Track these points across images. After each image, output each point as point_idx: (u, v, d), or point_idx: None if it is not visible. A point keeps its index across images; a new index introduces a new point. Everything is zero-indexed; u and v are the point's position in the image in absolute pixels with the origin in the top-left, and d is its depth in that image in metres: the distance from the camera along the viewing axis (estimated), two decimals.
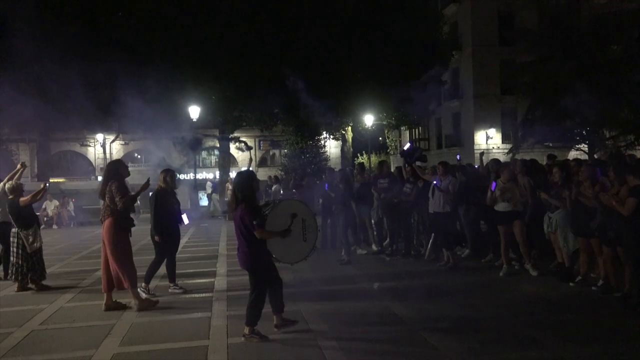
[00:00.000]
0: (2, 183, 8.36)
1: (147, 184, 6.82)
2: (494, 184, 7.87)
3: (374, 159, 35.16)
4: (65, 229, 18.77)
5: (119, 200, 6.23)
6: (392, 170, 12.77)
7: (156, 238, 7.15)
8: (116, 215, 6.30)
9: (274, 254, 5.21)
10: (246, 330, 5.11)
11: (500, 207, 7.80)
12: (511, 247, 8.09)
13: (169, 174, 7.41)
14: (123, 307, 6.43)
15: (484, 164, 9.90)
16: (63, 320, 6.10)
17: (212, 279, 8.18)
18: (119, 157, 7.14)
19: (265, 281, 5.17)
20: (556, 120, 23.44)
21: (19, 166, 8.56)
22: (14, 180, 8.12)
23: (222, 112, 24.22)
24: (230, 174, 27.65)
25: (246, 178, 5.23)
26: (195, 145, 24.05)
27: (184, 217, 7.68)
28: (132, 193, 6.51)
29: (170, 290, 7.29)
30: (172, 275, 7.44)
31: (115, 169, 6.56)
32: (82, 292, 7.57)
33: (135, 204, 7.56)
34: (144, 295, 6.70)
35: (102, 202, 6.55)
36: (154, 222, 7.22)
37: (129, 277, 6.30)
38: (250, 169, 11.65)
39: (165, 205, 7.22)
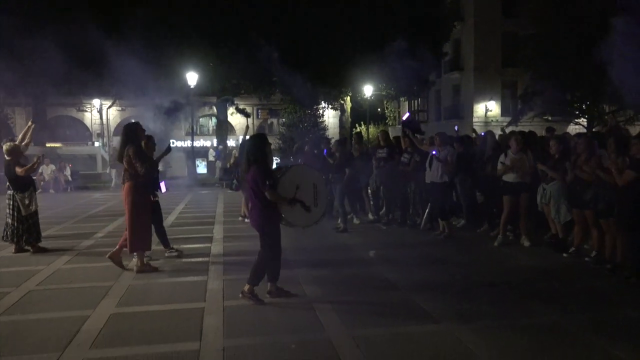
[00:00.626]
0: (16, 142, 8.41)
1: (169, 148, 6.91)
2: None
3: (373, 129, 35.03)
4: (61, 193, 18.79)
5: (139, 166, 6.26)
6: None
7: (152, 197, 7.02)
8: (135, 179, 6.35)
9: (287, 217, 5.26)
10: (246, 287, 5.18)
11: (509, 177, 7.80)
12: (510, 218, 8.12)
13: (149, 140, 7.22)
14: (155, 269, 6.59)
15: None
16: (60, 282, 6.15)
17: (209, 244, 8.24)
18: (135, 122, 7.10)
19: (278, 240, 5.22)
20: (556, 94, 23.32)
21: (29, 123, 8.52)
22: (26, 138, 8.17)
23: (220, 79, 23.97)
24: (228, 141, 27.60)
25: (259, 141, 5.26)
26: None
27: (162, 185, 7.63)
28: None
29: (166, 255, 7.32)
30: (165, 241, 7.45)
31: (133, 132, 6.52)
32: (79, 255, 7.63)
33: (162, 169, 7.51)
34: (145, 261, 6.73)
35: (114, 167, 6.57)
36: None
37: (138, 241, 6.37)
38: (248, 136, 11.62)
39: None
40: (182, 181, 21.87)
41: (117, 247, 6.55)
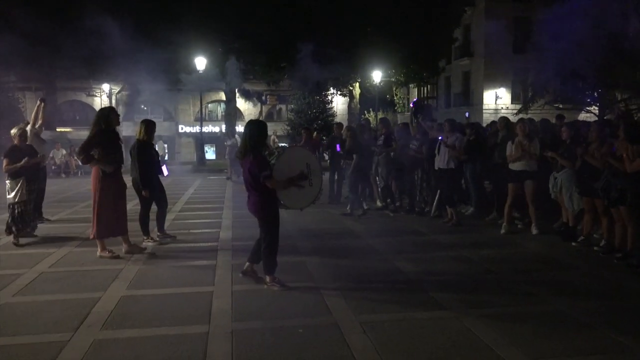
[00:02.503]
0: (30, 124, 8.40)
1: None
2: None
3: (381, 116, 34.80)
4: (72, 177, 18.96)
5: (80, 150, 6.35)
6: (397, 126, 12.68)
7: (144, 193, 7.03)
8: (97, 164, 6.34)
9: (282, 201, 5.29)
10: (267, 279, 5.23)
11: (515, 165, 7.76)
12: (515, 206, 8.09)
13: (149, 125, 7.23)
14: (141, 250, 6.73)
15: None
16: (72, 264, 6.24)
17: (218, 230, 8.30)
18: (110, 106, 7.15)
19: (276, 227, 5.24)
20: (568, 81, 23.03)
21: (38, 102, 8.44)
22: (39, 118, 8.20)
23: (229, 64, 23.91)
24: (237, 127, 27.60)
25: (260, 127, 5.24)
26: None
27: (164, 168, 7.62)
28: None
29: (157, 239, 7.33)
30: (160, 225, 7.47)
31: (105, 116, 6.41)
32: (89, 239, 7.70)
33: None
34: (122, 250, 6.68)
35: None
36: (140, 175, 7.01)
37: (97, 227, 6.40)
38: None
39: (146, 157, 7.10)
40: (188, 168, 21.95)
41: (123, 239, 6.62)
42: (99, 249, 6.52)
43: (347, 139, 9.88)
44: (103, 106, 6.91)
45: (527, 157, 7.56)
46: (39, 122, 8.48)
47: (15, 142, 7.36)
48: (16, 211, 7.20)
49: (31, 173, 7.35)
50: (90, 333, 4.12)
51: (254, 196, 5.18)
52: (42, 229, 8.16)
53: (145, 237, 7.23)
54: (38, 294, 5.11)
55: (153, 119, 7.73)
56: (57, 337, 4.03)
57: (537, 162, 7.62)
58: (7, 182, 7.24)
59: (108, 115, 6.43)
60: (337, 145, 10.57)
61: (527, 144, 7.59)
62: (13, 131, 7.51)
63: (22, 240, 7.31)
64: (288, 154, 5.57)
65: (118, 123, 6.62)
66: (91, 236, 6.55)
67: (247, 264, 5.49)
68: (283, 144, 22.26)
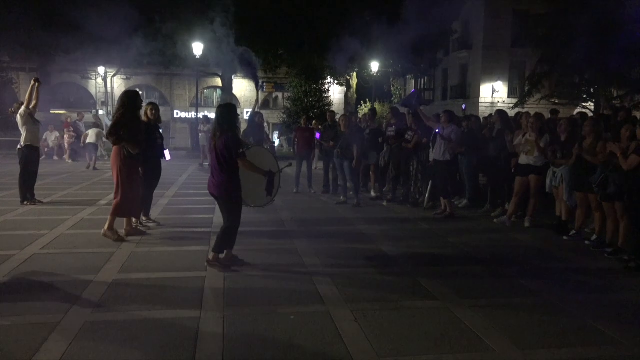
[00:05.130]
0: (24, 105, 8.41)
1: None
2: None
3: (378, 106, 34.77)
4: (66, 160, 18.82)
5: (112, 133, 6.40)
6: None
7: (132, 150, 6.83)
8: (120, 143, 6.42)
9: (243, 194, 5.48)
10: (210, 256, 5.33)
11: (522, 159, 7.77)
12: (507, 198, 8.12)
13: (154, 108, 7.27)
14: (141, 233, 6.81)
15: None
16: (64, 246, 6.22)
17: (211, 215, 8.28)
18: (136, 90, 7.14)
19: (240, 208, 5.37)
20: (564, 77, 23.06)
21: (32, 82, 8.41)
22: (33, 98, 8.25)
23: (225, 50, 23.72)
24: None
25: (231, 110, 5.38)
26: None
27: (166, 152, 7.59)
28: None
29: (143, 223, 7.32)
30: (146, 210, 7.44)
31: (131, 100, 6.54)
32: (82, 221, 7.69)
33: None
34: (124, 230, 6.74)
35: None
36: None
37: (121, 206, 6.46)
38: (257, 110, 11.65)
39: (146, 139, 7.01)
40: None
41: (126, 221, 6.66)
42: (106, 226, 6.52)
43: (342, 129, 9.81)
44: (127, 89, 7.10)
45: (537, 152, 7.53)
46: (33, 102, 8.43)
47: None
48: None
49: None
50: (82, 315, 4.12)
51: (220, 176, 5.27)
52: (34, 211, 8.13)
53: (144, 218, 7.31)
54: (30, 276, 5.08)
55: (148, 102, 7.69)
56: (50, 317, 4.02)
57: (545, 157, 7.60)
58: None
59: (135, 99, 6.57)
60: (317, 133, 10.58)
61: (537, 138, 7.55)
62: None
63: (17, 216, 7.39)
64: (257, 150, 6.10)
65: (141, 107, 6.74)
66: (120, 216, 6.59)
67: (212, 254, 5.44)
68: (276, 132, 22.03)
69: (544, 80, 24.11)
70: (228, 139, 5.15)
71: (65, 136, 19.11)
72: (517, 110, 23.35)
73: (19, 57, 26.28)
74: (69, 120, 20.08)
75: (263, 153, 6.31)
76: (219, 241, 5.34)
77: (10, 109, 7.85)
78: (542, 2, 23.48)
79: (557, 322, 4.18)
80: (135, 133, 6.50)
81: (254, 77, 25.83)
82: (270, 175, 5.49)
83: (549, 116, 10.79)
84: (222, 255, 5.37)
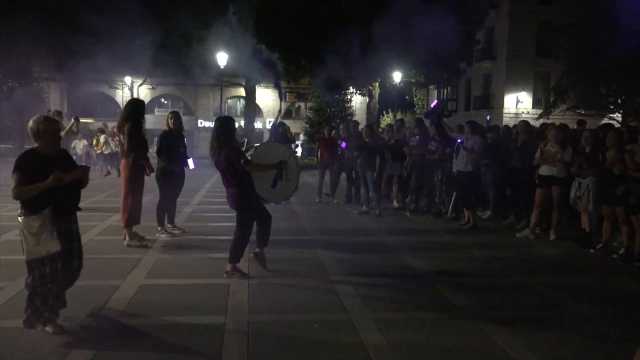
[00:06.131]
0: (64, 133, 8.74)
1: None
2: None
3: (400, 117, 34.72)
4: (93, 167, 19.20)
5: (126, 144, 6.51)
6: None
7: (147, 172, 6.87)
8: (128, 156, 6.54)
9: (260, 194, 5.59)
10: (228, 267, 5.42)
11: (543, 170, 7.69)
12: (531, 210, 8.01)
13: (174, 117, 7.34)
14: (141, 239, 6.83)
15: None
16: (92, 252, 6.31)
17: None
18: (141, 99, 7.22)
19: (252, 220, 5.49)
20: (591, 87, 22.69)
21: (72, 120, 8.79)
22: (72, 132, 8.81)
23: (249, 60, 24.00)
24: (255, 123, 27.73)
25: (228, 123, 5.41)
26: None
27: (190, 161, 7.57)
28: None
29: (168, 230, 7.40)
30: (171, 217, 7.52)
31: (138, 108, 6.66)
32: (110, 227, 7.85)
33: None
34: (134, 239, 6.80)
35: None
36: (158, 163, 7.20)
37: (130, 218, 6.61)
38: (280, 120, 11.76)
39: (168, 148, 7.16)
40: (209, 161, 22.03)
41: (126, 232, 6.74)
42: (127, 237, 6.66)
43: (365, 139, 9.82)
44: (133, 97, 7.14)
45: (560, 164, 7.46)
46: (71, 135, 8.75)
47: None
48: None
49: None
50: (109, 320, 4.21)
51: (231, 190, 5.34)
52: None
53: (160, 228, 7.36)
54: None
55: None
56: (79, 322, 4.13)
57: (567, 169, 7.51)
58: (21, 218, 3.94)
59: (141, 108, 6.72)
60: (343, 143, 10.59)
61: (559, 150, 7.48)
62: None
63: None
64: (265, 148, 6.08)
65: (144, 116, 6.84)
66: (123, 224, 6.69)
67: (257, 249, 5.72)
68: (298, 141, 22.21)
69: (570, 91, 23.76)
70: (228, 152, 5.19)
71: (112, 144, 19.45)
72: (542, 120, 23.15)
73: (49, 67, 26.98)
74: (114, 129, 20.45)
75: (270, 146, 6.40)
76: (232, 252, 5.42)
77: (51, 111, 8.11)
78: (568, 11, 23.21)
79: (584, 337, 4.12)
80: (140, 142, 6.59)
81: (277, 86, 26.05)
82: (283, 165, 5.51)
83: (575, 127, 10.66)
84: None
